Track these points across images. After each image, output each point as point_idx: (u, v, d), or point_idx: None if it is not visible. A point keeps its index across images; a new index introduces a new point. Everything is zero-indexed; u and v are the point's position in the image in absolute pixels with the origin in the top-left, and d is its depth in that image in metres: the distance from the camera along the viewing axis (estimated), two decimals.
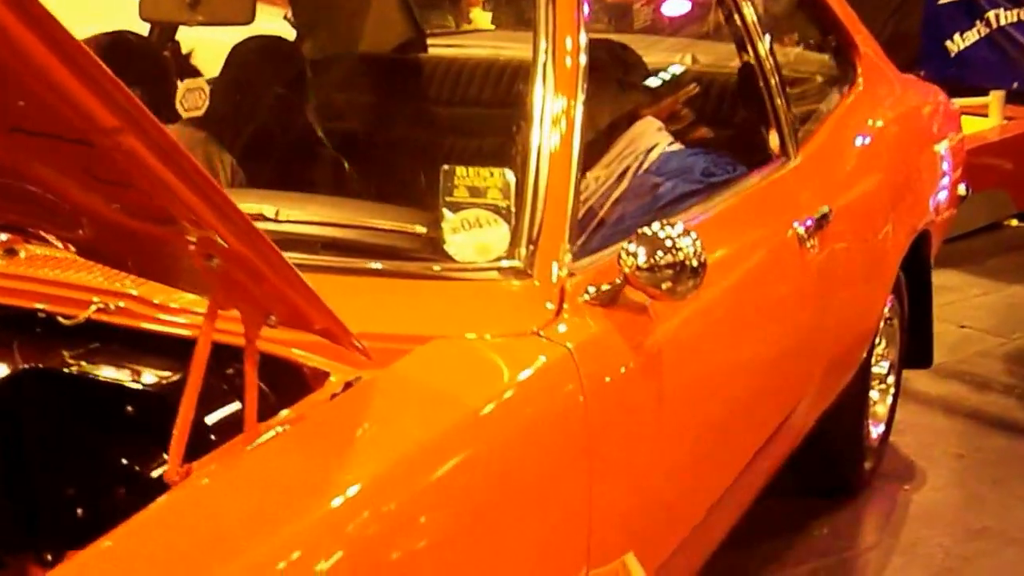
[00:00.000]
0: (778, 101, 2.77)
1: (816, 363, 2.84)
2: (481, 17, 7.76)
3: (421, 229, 1.84)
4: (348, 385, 1.54)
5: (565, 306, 1.77)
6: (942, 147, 3.87)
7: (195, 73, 3.17)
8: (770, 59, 2.80)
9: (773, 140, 2.75)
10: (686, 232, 1.80)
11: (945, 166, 3.90)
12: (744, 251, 2.46)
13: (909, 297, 3.78)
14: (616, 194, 2.77)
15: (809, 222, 2.66)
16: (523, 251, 1.80)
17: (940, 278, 5.68)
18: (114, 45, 2.80)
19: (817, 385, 2.90)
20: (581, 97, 2.03)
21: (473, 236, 1.79)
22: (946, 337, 4.95)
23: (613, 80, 2.89)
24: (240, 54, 2.99)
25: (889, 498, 3.62)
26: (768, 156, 2.77)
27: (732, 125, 3.01)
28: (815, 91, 3.38)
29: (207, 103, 2.58)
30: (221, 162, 2.74)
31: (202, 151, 2.70)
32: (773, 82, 2.78)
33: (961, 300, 5.43)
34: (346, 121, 3.33)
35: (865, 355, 3.32)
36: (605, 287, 1.80)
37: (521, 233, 1.81)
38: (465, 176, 1.83)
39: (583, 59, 2.09)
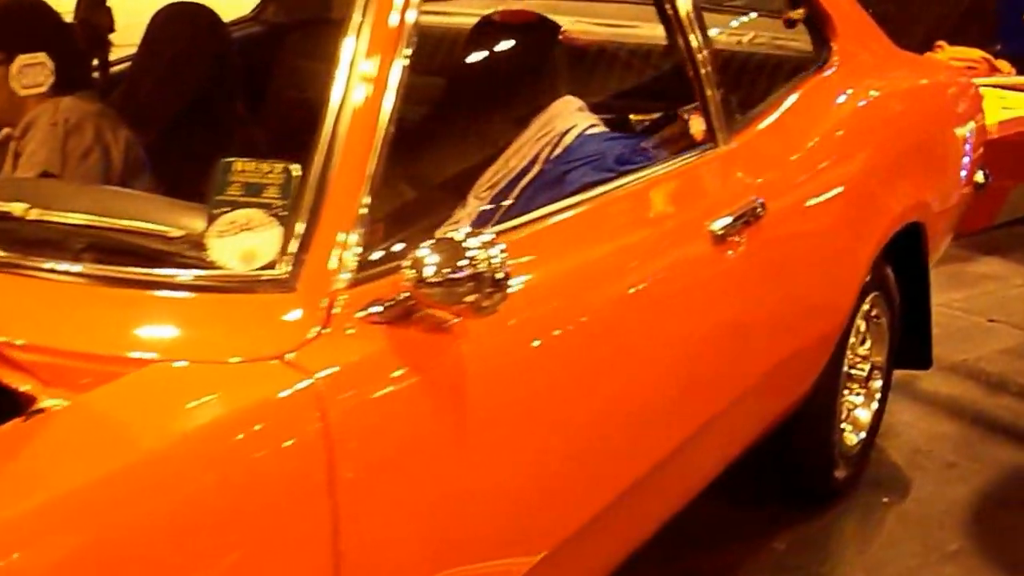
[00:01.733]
0: (704, 79, 2.51)
1: (747, 366, 2.59)
2: None
3: (177, 232, 1.63)
4: (31, 415, 1.36)
5: (328, 329, 1.55)
6: (948, 133, 3.56)
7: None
8: (696, 31, 2.53)
9: (696, 125, 2.50)
10: (491, 243, 1.58)
11: (951, 153, 3.60)
12: (632, 250, 2.22)
13: (903, 294, 3.51)
14: (524, 182, 2.56)
15: (729, 218, 2.41)
16: (289, 259, 1.59)
17: (983, 266, 5.39)
18: (6, 9, 2.65)
19: (756, 390, 2.65)
20: (397, 71, 1.75)
21: (240, 241, 1.58)
22: (972, 331, 4.66)
23: (529, 54, 2.68)
24: (155, 23, 2.83)
25: (863, 510, 3.35)
26: (691, 143, 2.52)
27: (659, 106, 2.75)
28: (772, 69, 3.12)
29: (52, 78, 2.42)
30: (114, 137, 2.58)
31: (92, 125, 2.55)
32: (700, 57, 2.51)
33: (999, 291, 5.09)
34: (280, 93, 3.16)
35: (832, 356, 3.05)
36: (392, 302, 1.59)
37: (291, 237, 1.60)
38: (243, 170, 1.63)
39: (408, 17, 1.81)
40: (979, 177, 3.92)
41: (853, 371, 3.34)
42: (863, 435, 3.42)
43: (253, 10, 3.80)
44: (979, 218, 5.51)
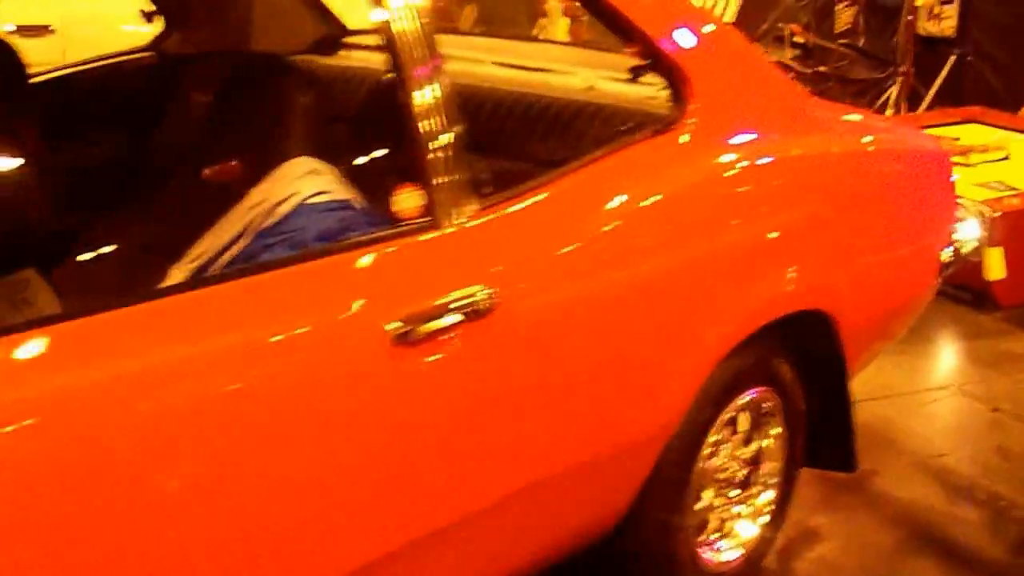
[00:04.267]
0: (424, 135, 2.08)
1: (465, 486, 2.16)
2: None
3: None
4: None
5: None
6: (869, 210, 3.04)
7: None
8: (421, 66, 2.09)
9: (408, 200, 2.09)
10: None
11: (877, 233, 3.07)
12: (251, 349, 1.84)
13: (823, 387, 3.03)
14: (226, 257, 2.23)
15: (425, 316, 2.00)
16: None
17: (1010, 342, 4.75)
18: None
19: (496, 511, 2.22)
20: None
21: None
22: (968, 421, 4.09)
23: (265, 105, 2.34)
24: None
25: None
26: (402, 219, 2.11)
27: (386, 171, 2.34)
28: (599, 126, 2.67)
29: None
30: None
31: None
32: (420, 105, 2.08)
33: (1019, 371, 4.45)
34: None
35: (666, 466, 2.60)
36: None
37: None
38: None
39: None
40: (945, 255, 3.39)
41: (723, 476, 2.87)
42: (739, 552, 2.94)
43: (153, 40, 3.56)
44: (1020, 291, 4.92)
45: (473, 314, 2.06)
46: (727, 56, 2.74)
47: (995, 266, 4.89)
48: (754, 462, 2.98)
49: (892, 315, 3.27)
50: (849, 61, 8.12)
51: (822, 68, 7.98)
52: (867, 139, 3.17)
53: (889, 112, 7.40)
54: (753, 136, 2.70)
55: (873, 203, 3.06)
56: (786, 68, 7.81)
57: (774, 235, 2.69)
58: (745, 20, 8.38)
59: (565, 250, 2.27)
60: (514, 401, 2.19)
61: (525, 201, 2.25)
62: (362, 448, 1.99)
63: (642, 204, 2.43)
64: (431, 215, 2.09)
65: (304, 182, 2.23)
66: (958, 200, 4.94)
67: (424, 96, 2.09)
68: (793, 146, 2.82)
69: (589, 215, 2.34)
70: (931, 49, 7.76)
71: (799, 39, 7.88)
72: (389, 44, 2.07)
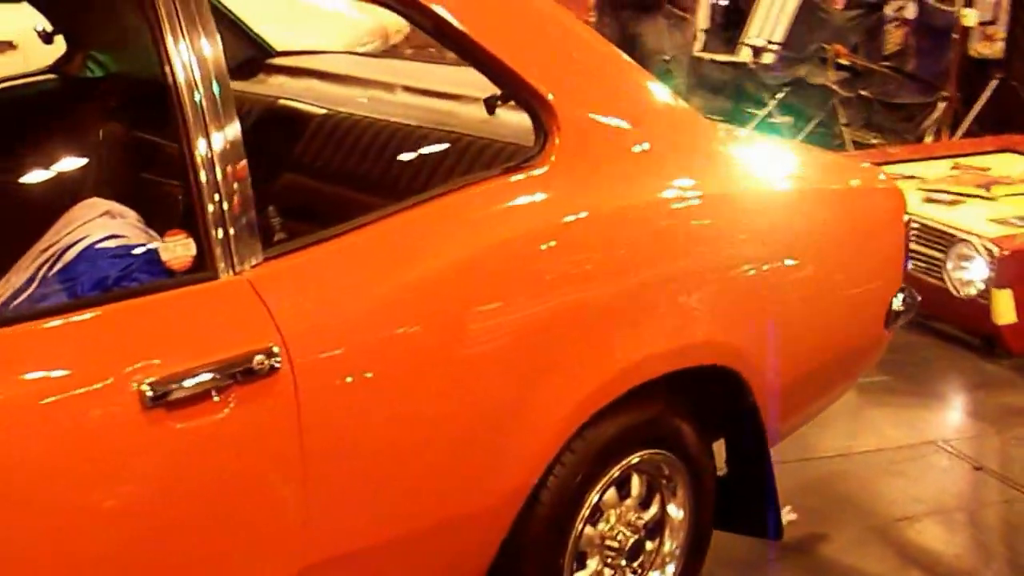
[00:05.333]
0: (197, 173, 1.88)
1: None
2: None
3: None
4: None
5: None
6: (784, 252, 2.76)
7: None
8: (199, 122, 1.88)
9: (177, 249, 1.89)
10: None
11: (794, 284, 2.80)
12: None
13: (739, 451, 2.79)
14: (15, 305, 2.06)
15: (187, 375, 1.80)
16: None
17: (1013, 394, 4.40)
18: None
19: None
20: None
21: None
22: (946, 480, 3.77)
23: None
24: None
25: None
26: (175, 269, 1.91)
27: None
28: (445, 160, 2.44)
29: None
30: None
31: None
32: (209, 162, 1.88)
33: (1015, 427, 4.10)
34: None
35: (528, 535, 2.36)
36: None
37: None
38: None
39: None
40: (896, 304, 3.10)
41: (613, 544, 2.61)
42: None
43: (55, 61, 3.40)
44: None
45: (246, 374, 1.86)
46: (607, 81, 2.50)
47: (1004, 310, 4.54)
48: (655, 529, 2.73)
49: (825, 371, 2.98)
50: (895, 84, 7.77)
51: (865, 92, 7.64)
52: (783, 178, 2.88)
53: (928, 139, 7.04)
54: (626, 174, 2.45)
55: (788, 249, 2.77)
56: (828, 90, 7.51)
57: (649, 287, 2.44)
58: (793, 40, 8.09)
59: (373, 303, 2.05)
60: (304, 472, 1.97)
61: (328, 247, 2.04)
62: (105, 521, 1.80)
63: (471, 252, 2.18)
64: (209, 264, 1.90)
65: (95, 225, 2.06)
66: (964, 237, 4.67)
67: (204, 141, 1.90)
68: (677, 185, 2.55)
69: (406, 262, 2.11)
70: (982, 72, 7.38)
71: (843, 61, 7.54)
72: (169, 89, 1.89)
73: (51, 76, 3.24)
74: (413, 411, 2.09)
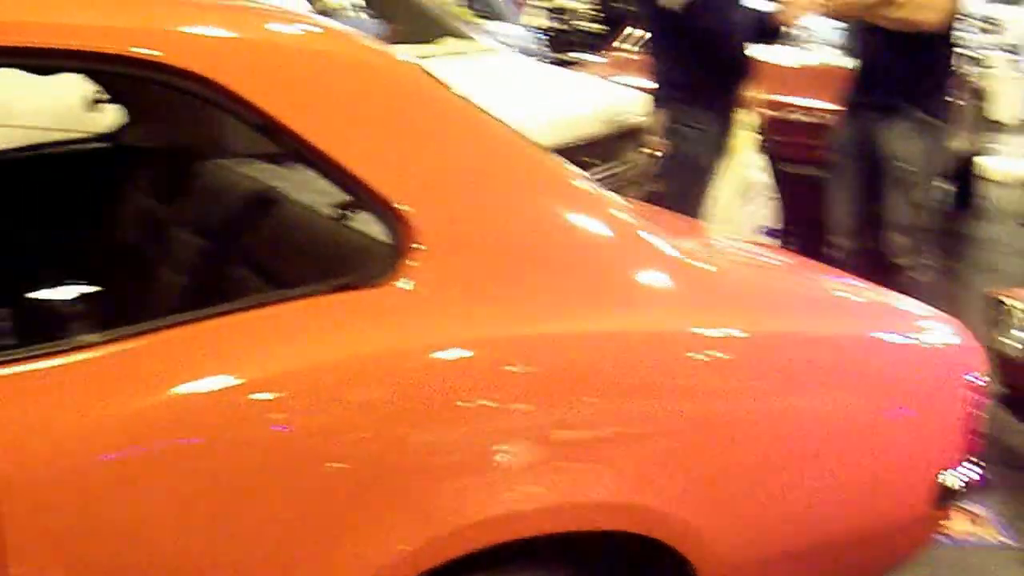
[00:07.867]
0: None
1: None
2: None
3: None
4: None
5: None
6: (754, 415, 2.13)
7: None
8: None
9: None
10: None
11: (787, 454, 2.19)
12: None
13: None
14: None
15: None
16: None
17: None
18: None
19: None
20: None
21: None
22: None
23: None
24: None
25: None
26: None
27: None
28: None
29: None
30: None
31: None
32: None
33: None
34: None
35: None
36: None
37: None
38: None
39: None
40: (951, 482, 2.43)
41: None
42: None
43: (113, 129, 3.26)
44: None
45: None
46: (485, 187, 2.01)
47: None
48: None
49: (818, 555, 2.31)
50: None
51: None
52: (738, 319, 2.19)
53: None
54: (495, 307, 1.95)
55: (752, 400, 2.14)
56: None
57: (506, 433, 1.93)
58: None
59: (93, 441, 1.66)
60: None
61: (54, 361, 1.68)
62: None
63: (234, 384, 1.75)
64: None
65: None
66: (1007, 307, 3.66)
67: None
68: (559, 321, 1.97)
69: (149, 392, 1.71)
70: None
71: None
72: None
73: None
74: None
